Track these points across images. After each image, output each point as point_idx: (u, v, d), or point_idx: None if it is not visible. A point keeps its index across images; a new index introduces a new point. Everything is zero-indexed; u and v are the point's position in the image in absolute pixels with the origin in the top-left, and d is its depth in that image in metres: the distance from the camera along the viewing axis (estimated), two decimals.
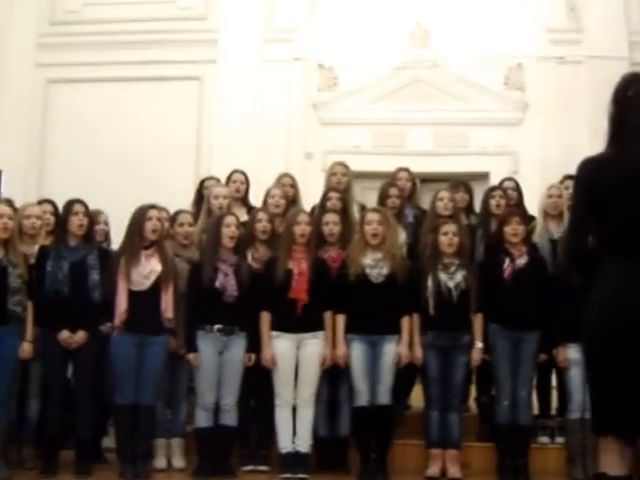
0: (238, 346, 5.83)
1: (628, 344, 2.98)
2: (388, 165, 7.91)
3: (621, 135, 3.20)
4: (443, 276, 5.85)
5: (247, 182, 7.03)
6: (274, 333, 5.84)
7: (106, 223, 6.63)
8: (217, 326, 5.77)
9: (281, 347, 5.82)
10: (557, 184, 6.66)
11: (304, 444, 5.78)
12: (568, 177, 6.65)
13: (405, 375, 6.05)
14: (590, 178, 3.19)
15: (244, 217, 6.43)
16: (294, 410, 5.81)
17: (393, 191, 6.66)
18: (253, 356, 5.85)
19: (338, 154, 8.50)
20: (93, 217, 6.35)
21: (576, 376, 5.82)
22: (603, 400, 3.06)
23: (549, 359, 6.03)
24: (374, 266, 5.84)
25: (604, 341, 3.02)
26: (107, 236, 6.62)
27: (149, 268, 5.74)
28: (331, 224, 6.11)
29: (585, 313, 3.15)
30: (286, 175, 7.14)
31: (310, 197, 7.11)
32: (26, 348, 5.66)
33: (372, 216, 5.98)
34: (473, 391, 6.66)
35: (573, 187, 3.41)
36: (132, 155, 10.79)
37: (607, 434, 3.04)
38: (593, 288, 3.17)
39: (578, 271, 3.53)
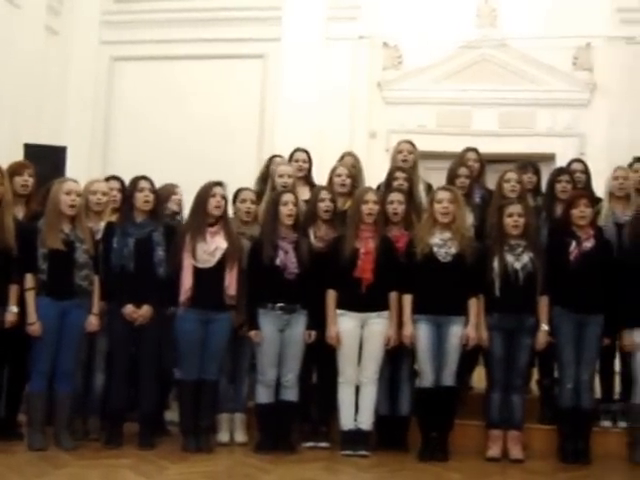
0: (299, 323, 5.85)
1: None
2: (453, 145, 7.90)
3: None
4: (510, 257, 5.80)
5: (310, 161, 7.00)
6: (339, 311, 5.85)
7: (182, 195, 6.60)
8: (279, 304, 5.79)
9: (346, 325, 5.83)
10: (623, 166, 6.55)
11: (366, 422, 5.82)
12: (638, 159, 6.57)
13: (468, 356, 6.03)
14: None
15: (307, 196, 6.44)
16: (356, 388, 5.84)
17: (462, 171, 6.63)
18: (313, 333, 5.86)
19: (402, 133, 8.45)
20: (169, 190, 6.49)
21: None
22: None
23: (612, 343, 5.98)
24: (442, 245, 5.80)
25: None
26: (181, 208, 6.61)
27: (214, 245, 5.77)
28: (396, 203, 6.07)
29: None
30: (349, 154, 7.10)
31: (373, 176, 7.07)
32: (92, 321, 5.76)
33: (443, 194, 5.94)
34: (535, 373, 6.60)
35: None
36: (196, 132, 10.90)
37: None
38: None
39: None
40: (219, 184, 5.91)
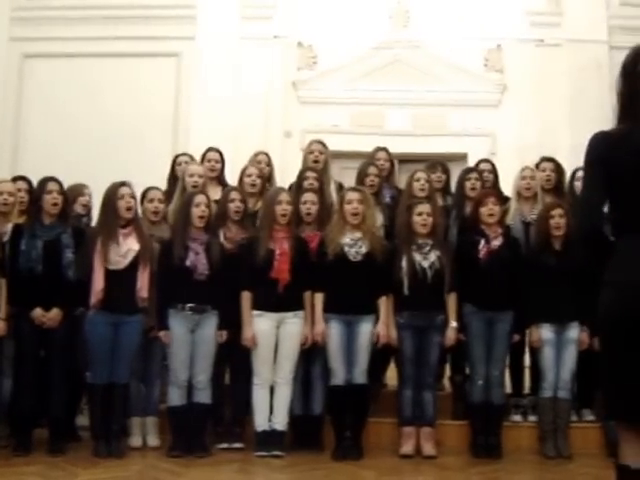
0: (210, 324, 5.81)
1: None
2: (366, 145, 7.92)
3: (633, 110, 3.01)
4: (417, 256, 5.86)
5: (222, 160, 6.95)
6: (255, 312, 5.82)
7: (90, 196, 6.52)
8: (189, 305, 5.75)
9: (262, 326, 5.81)
10: (530, 166, 6.67)
11: (281, 422, 5.81)
12: (545, 159, 6.70)
13: (381, 353, 6.07)
14: (604, 153, 3.00)
15: (218, 196, 6.37)
16: (271, 389, 5.83)
17: (372, 170, 6.63)
18: (225, 333, 5.84)
19: (317, 133, 8.48)
20: (77, 191, 6.37)
21: (549, 355, 5.93)
22: (618, 383, 2.92)
23: (521, 339, 6.09)
24: (352, 245, 5.84)
25: (617, 323, 2.90)
26: (89, 211, 6.52)
27: (126, 247, 5.70)
28: (309, 203, 6.09)
29: (600, 294, 3.00)
30: (261, 152, 7.09)
31: (289, 176, 7.09)
32: (0, 326, 5.61)
33: (352, 195, 5.96)
34: (447, 370, 6.69)
35: (585, 162, 3.15)
36: (109, 131, 10.71)
37: (622, 419, 2.93)
38: (607, 268, 2.99)
39: (590, 251, 3.23)
40: (125, 184, 5.83)
